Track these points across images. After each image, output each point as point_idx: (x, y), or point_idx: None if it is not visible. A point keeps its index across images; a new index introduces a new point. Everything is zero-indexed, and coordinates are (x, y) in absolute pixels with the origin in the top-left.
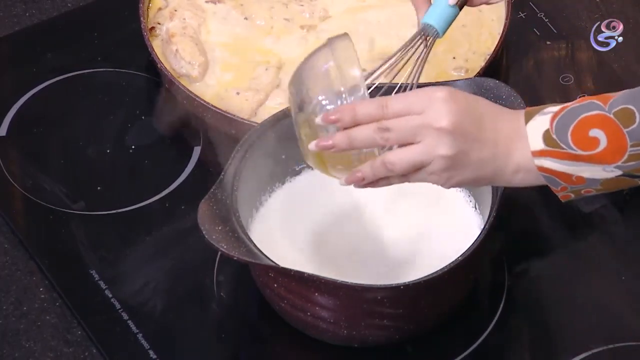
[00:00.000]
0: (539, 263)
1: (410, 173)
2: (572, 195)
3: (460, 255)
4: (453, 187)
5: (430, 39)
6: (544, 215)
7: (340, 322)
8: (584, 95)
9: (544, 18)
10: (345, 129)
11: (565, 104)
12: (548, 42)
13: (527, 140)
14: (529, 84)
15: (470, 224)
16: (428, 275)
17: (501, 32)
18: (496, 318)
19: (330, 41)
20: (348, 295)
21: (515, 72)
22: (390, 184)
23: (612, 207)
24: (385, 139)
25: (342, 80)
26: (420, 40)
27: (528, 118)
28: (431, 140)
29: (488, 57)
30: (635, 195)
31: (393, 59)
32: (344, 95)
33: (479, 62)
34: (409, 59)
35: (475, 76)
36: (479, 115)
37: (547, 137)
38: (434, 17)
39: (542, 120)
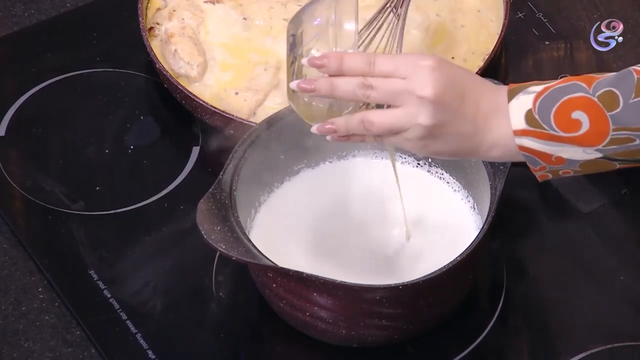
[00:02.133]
0: (538, 263)
1: (386, 135)
2: (550, 175)
3: (459, 256)
4: (428, 156)
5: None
6: (542, 215)
7: (339, 322)
8: (565, 76)
9: (542, 18)
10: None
11: (548, 84)
12: (547, 42)
13: (508, 118)
14: None
15: (469, 224)
16: (427, 275)
17: (500, 32)
18: (495, 318)
19: None
20: (347, 295)
21: (514, 72)
22: (363, 141)
23: (611, 207)
24: (367, 95)
25: (337, 32)
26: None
27: (511, 96)
28: (412, 107)
29: (487, 57)
30: (633, 195)
31: (371, 24)
32: (334, 47)
33: (478, 63)
34: (385, 23)
35: None
36: (463, 88)
37: (529, 117)
38: None
39: (525, 100)
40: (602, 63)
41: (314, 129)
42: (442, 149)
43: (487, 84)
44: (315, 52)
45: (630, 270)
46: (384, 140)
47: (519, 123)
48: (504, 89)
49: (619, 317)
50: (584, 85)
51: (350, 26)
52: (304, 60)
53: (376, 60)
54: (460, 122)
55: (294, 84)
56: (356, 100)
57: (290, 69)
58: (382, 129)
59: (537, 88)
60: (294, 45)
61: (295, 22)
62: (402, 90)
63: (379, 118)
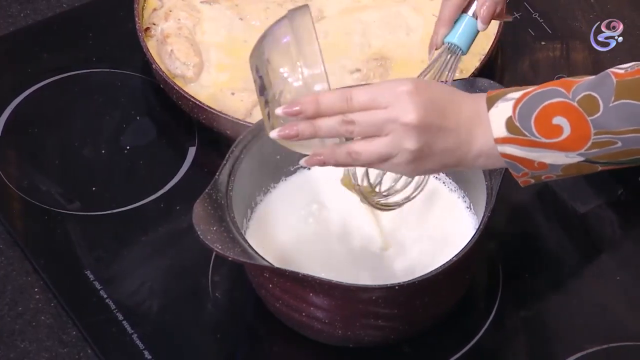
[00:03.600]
0: (534, 263)
1: (374, 163)
2: (533, 181)
3: (455, 256)
4: (418, 175)
5: (455, 58)
6: (538, 216)
7: (335, 322)
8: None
9: (538, 18)
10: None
11: (527, 89)
12: (543, 43)
13: (489, 127)
14: (524, 84)
15: (465, 224)
16: (423, 276)
17: (496, 32)
18: (491, 318)
19: (290, 14)
20: (343, 295)
21: (510, 72)
22: (353, 166)
23: (607, 207)
24: (350, 131)
25: (303, 59)
26: (444, 60)
27: (490, 104)
28: (397, 134)
29: (483, 57)
30: (629, 196)
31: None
32: (302, 75)
33: (474, 62)
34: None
35: (470, 76)
36: (443, 105)
37: (510, 124)
38: (457, 35)
39: (504, 107)
40: (598, 63)
41: (302, 162)
42: (431, 167)
43: (465, 95)
44: (290, 89)
45: (626, 270)
46: (373, 167)
47: (500, 131)
48: (482, 97)
49: (616, 317)
50: (562, 90)
51: (313, 46)
52: (279, 111)
53: (352, 94)
54: (445, 137)
55: (274, 134)
56: (340, 136)
57: (264, 111)
58: (370, 159)
59: (516, 94)
60: (263, 87)
61: (258, 56)
62: (385, 120)
63: (366, 148)
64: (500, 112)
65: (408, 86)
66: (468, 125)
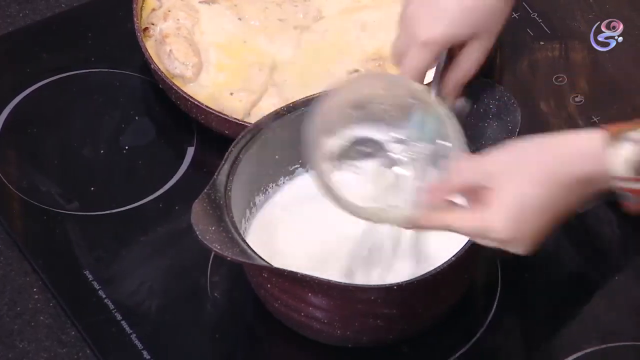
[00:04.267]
0: (533, 263)
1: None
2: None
3: (454, 256)
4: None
5: None
6: None
7: (334, 322)
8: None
9: (537, 18)
10: None
11: None
12: (542, 43)
13: (605, 169)
14: (522, 84)
15: None
16: (421, 276)
17: None
18: (489, 318)
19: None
20: (342, 295)
21: (509, 72)
22: None
23: (607, 207)
24: None
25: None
26: None
27: (607, 143)
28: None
29: None
30: None
31: None
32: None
33: None
34: None
35: None
36: (550, 212)
37: (636, 166)
38: None
39: (627, 148)
40: (598, 63)
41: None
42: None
43: (560, 163)
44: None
45: (625, 271)
46: None
47: (623, 171)
48: (594, 141)
49: (614, 317)
50: None
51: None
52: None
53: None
54: (558, 222)
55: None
56: None
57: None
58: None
59: (638, 135)
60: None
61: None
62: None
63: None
64: (623, 153)
65: (502, 234)
66: (582, 191)
